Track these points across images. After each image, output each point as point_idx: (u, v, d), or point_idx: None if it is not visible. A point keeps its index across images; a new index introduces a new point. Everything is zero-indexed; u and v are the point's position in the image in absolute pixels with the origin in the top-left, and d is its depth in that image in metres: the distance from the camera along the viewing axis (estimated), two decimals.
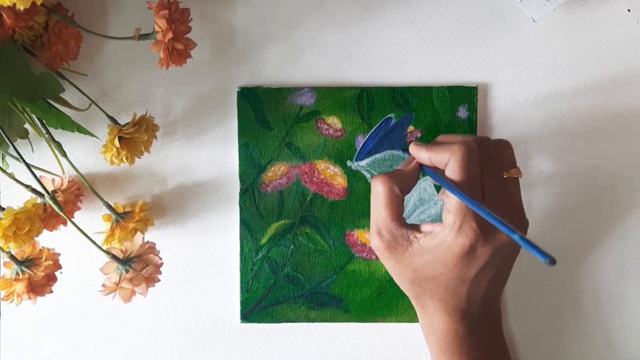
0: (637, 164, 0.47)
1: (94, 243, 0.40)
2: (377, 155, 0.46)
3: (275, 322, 0.47)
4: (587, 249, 0.47)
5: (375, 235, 0.40)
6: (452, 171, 0.38)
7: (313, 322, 0.47)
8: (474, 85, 0.46)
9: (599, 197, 0.47)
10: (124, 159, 0.43)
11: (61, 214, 0.40)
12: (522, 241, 0.33)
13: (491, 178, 0.39)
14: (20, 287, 0.40)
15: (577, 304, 0.48)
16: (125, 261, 0.41)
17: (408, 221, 0.46)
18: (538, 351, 0.48)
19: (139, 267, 0.41)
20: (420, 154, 0.40)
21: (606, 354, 0.48)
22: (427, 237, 0.39)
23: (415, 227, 0.40)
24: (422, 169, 0.41)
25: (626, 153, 0.47)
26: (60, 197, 0.44)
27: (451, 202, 0.38)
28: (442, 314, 0.40)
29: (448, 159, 0.38)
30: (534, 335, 0.48)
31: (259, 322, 0.47)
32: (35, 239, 0.41)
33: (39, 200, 0.41)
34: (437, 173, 0.39)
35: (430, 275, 0.39)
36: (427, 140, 0.46)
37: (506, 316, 0.47)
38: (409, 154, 0.43)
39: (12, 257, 0.40)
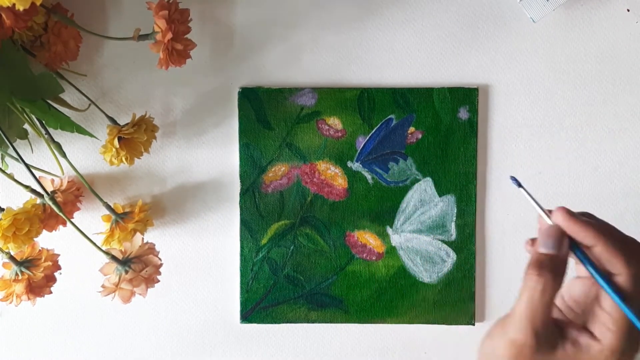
0: (637, 163, 0.47)
1: (94, 244, 0.40)
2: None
3: (275, 322, 0.47)
4: None
5: (529, 330, 0.33)
6: (625, 282, 0.33)
7: (313, 322, 0.47)
8: (475, 87, 0.46)
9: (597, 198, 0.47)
10: (123, 159, 0.43)
11: (60, 214, 0.40)
12: None
13: None
14: (19, 287, 0.40)
15: None
16: (125, 262, 0.41)
17: (409, 222, 0.46)
18: None
19: (138, 267, 0.41)
20: (576, 227, 0.33)
21: None
22: (574, 348, 0.34)
23: (559, 326, 0.35)
24: (572, 249, 0.33)
25: (626, 153, 0.47)
26: (59, 198, 0.44)
27: (610, 317, 0.33)
28: None
29: (619, 270, 0.33)
30: None
31: (259, 322, 0.47)
32: (35, 239, 0.41)
33: (39, 200, 0.41)
34: (597, 269, 0.33)
35: None
36: (427, 142, 0.46)
37: None
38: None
39: (12, 257, 0.40)
